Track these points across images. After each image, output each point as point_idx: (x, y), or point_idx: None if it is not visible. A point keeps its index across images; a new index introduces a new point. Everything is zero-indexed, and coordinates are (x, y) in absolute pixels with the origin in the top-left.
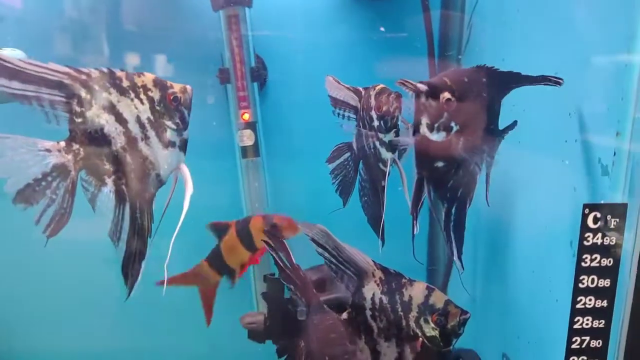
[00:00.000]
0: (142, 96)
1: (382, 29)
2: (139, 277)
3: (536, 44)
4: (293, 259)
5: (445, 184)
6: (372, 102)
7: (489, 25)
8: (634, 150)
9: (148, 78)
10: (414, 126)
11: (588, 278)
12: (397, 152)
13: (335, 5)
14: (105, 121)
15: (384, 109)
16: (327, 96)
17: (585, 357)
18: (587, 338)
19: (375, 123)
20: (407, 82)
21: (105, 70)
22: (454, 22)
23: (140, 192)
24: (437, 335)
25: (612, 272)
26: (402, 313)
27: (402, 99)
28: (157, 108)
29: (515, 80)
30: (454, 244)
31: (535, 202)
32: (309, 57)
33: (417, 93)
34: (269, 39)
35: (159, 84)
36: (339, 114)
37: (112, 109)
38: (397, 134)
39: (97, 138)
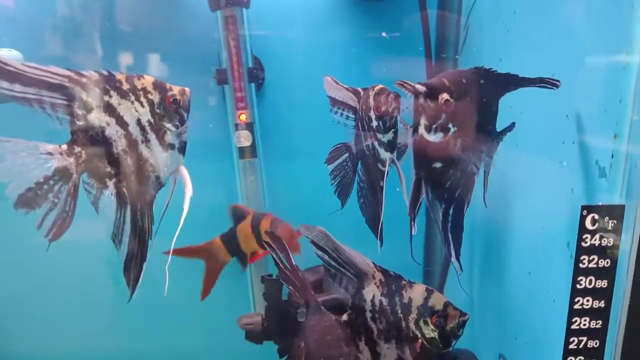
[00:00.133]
0: (143, 99)
1: (384, 34)
2: (141, 279)
3: (533, 46)
4: (292, 260)
5: (443, 184)
6: (371, 102)
7: (486, 26)
8: (632, 152)
9: (148, 81)
10: (412, 127)
11: (586, 279)
12: (395, 153)
13: (333, 6)
14: (107, 124)
15: (383, 109)
16: (325, 97)
17: (582, 358)
18: (585, 338)
19: (374, 123)
20: (406, 83)
21: (105, 72)
22: (451, 23)
23: (141, 195)
24: (437, 337)
25: (609, 273)
26: (401, 315)
27: (401, 99)
28: (157, 111)
29: (512, 82)
30: (451, 245)
31: (533, 204)
32: (306, 57)
33: (416, 94)
34: (266, 39)
35: (159, 86)
36: (338, 113)
37: (113, 111)
38: (395, 135)
39: (99, 141)
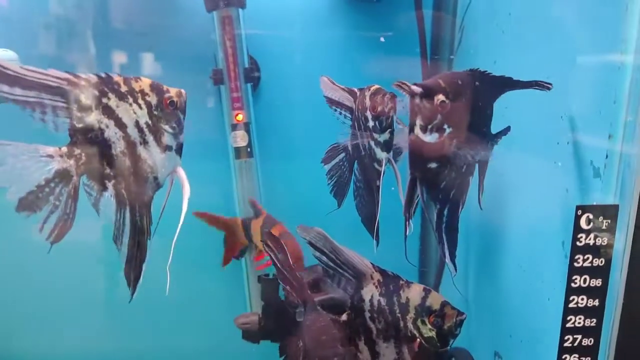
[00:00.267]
0: (140, 101)
1: (382, 39)
2: (141, 279)
3: (528, 47)
4: (290, 260)
5: (438, 185)
6: (367, 102)
7: (481, 27)
8: (625, 153)
9: (145, 83)
10: (409, 127)
11: (580, 278)
12: (392, 152)
13: (328, 7)
14: (106, 126)
15: (379, 109)
16: (321, 97)
17: (577, 355)
18: (579, 336)
19: (370, 123)
20: (403, 84)
21: (103, 75)
22: (446, 24)
23: (140, 196)
24: (434, 336)
25: (603, 272)
26: (399, 314)
27: (398, 99)
28: (155, 112)
29: (506, 84)
30: (445, 245)
31: (528, 204)
32: (302, 57)
33: (412, 95)
34: (262, 39)
35: (156, 88)
36: (335, 113)
37: (111, 113)
38: (392, 134)
39: (98, 143)
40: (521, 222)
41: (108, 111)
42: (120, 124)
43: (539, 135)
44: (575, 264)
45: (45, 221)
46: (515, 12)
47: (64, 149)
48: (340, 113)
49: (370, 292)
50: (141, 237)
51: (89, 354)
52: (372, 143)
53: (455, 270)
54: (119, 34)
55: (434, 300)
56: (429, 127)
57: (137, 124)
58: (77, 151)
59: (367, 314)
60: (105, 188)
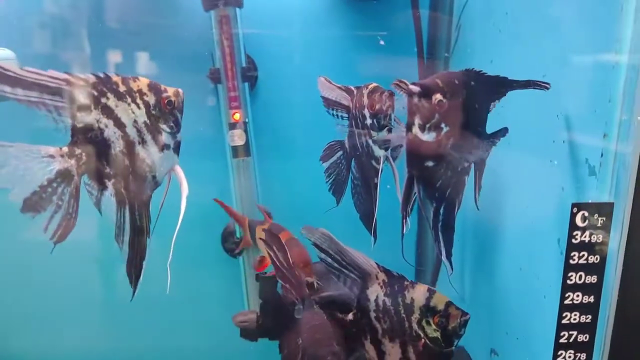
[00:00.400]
0: (139, 101)
1: (381, 42)
2: (141, 277)
3: (525, 46)
4: (290, 258)
5: (434, 183)
6: (365, 100)
7: (478, 26)
8: (620, 151)
9: (143, 82)
10: (406, 126)
11: (576, 275)
12: (389, 150)
13: (325, 6)
14: (105, 125)
15: (377, 107)
16: (319, 96)
17: (572, 351)
18: (575, 332)
19: (368, 121)
20: (401, 82)
21: (101, 75)
22: (443, 23)
23: (139, 195)
24: (439, 336)
25: (599, 269)
26: (404, 315)
27: (395, 97)
28: (153, 112)
29: (500, 84)
30: (442, 243)
31: (524, 202)
32: (299, 57)
33: (410, 94)
34: (260, 39)
35: (154, 88)
36: (332, 114)
37: (110, 113)
38: (389, 132)
39: (98, 142)
40: (517, 220)
41: (107, 111)
42: (119, 124)
43: (535, 134)
44: (571, 261)
45: (50, 221)
46: (512, 12)
47: (65, 149)
48: (337, 114)
49: (376, 293)
50: (140, 235)
51: (88, 352)
52: (370, 141)
53: (452, 268)
54: (117, 33)
55: (439, 301)
56: (427, 126)
57: (135, 123)
58: (77, 151)
59: (373, 314)
60: (105, 187)
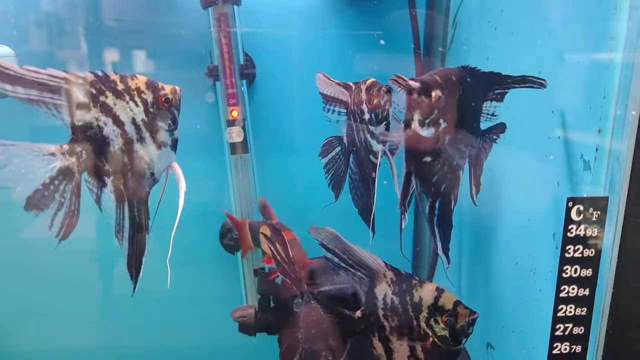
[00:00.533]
0: (137, 98)
1: (382, 42)
2: (141, 273)
3: (520, 43)
4: (290, 252)
5: (430, 178)
6: (363, 95)
7: (474, 24)
8: (615, 147)
9: (141, 80)
10: (405, 122)
11: (571, 268)
12: (387, 145)
13: (323, 3)
14: (104, 123)
15: (375, 102)
16: (316, 93)
17: (568, 343)
18: (570, 325)
19: (366, 116)
20: (400, 78)
21: (100, 73)
22: (439, 21)
23: (137, 191)
24: (447, 335)
25: (593, 262)
26: (412, 313)
27: (393, 93)
28: (151, 110)
29: (496, 80)
30: (437, 237)
31: (520, 197)
32: (297, 54)
33: (409, 90)
34: (258, 36)
35: (151, 86)
36: (331, 110)
37: (109, 111)
38: (387, 127)
39: (97, 140)
40: (513, 215)
41: (106, 109)
42: (118, 122)
43: (530, 130)
44: (566, 255)
45: (53, 219)
46: (508, 9)
47: (66, 147)
48: (335, 110)
49: (384, 291)
50: (140, 231)
51: (88, 347)
52: (368, 136)
53: (448, 262)
54: (115, 32)
55: (447, 300)
56: (426, 121)
57: (133, 121)
58: (78, 149)
59: (381, 312)
60: (104, 184)
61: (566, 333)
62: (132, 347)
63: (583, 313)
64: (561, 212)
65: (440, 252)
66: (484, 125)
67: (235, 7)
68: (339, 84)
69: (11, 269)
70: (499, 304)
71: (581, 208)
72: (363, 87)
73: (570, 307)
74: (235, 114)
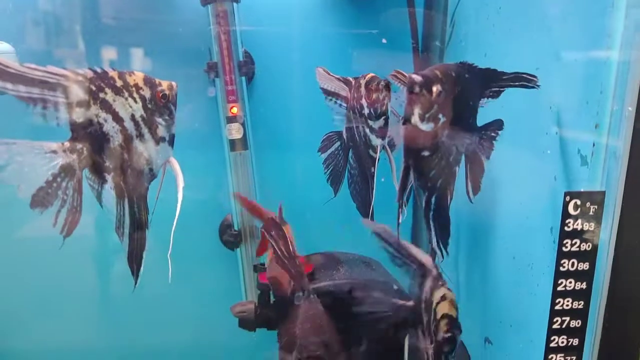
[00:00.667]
0: (135, 95)
1: (384, 40)
2: (142, 268)
3: (518, 40)
4: (291, 247)
5: (427, 173)
6: (362, 90)
7: (472, 21)
8: (612, 142)
9: (139, 77)
10: (404, 117)
11: (568, 262)
12: (386, 139)
13: (323, 0)
14: (104, 120)
15: (374, 96)
16: (315, 89)
17: (565, 336)
18: (567, 318)
19: (366, 111)
20: (399, 73)
21: (98, 70)
22: (438, 18)
23: (137, 187)
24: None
25: (590, 256)
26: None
27: (395, 93)
28: (149, 106)
29: (491, 76)
30: (432, 232)
31: (517, 192)
32: (296, 50)
33: (412, 84)
34: (257, 33)
35: (149, 82)
36: (331, 104)
37: (109, 108)
38: (386, 121)
39: (97, 137)
40: (510, 210)
41: (105, 105)
42: (118, 118)
43: (528, 125)
44: (564, 249)
45: (57, 216)
46: (505, 7)
47: (67, 144)
48: (336, 103)
49: (429, 286)
50: (140, 227)
51: (88, 342)
52: (367, 130)
53: (442, 256)
54: (115, 29)
55: (440, 308)
56: (427, 116)
57: (132, 117)
58: (79, 145)
59: (423, 305)
60: (105, 181)
61: (563, 326)
62: (132, 342)
63: (580, 306)
64: (558, 207)
65: (434, 245)
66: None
67: (235, 4)
68: (338, 79)
69: (11, 268)
70: (496, 299)
71: (578, 202)
72: (362, 81)
73: (568, 301)
74: (234, 110)
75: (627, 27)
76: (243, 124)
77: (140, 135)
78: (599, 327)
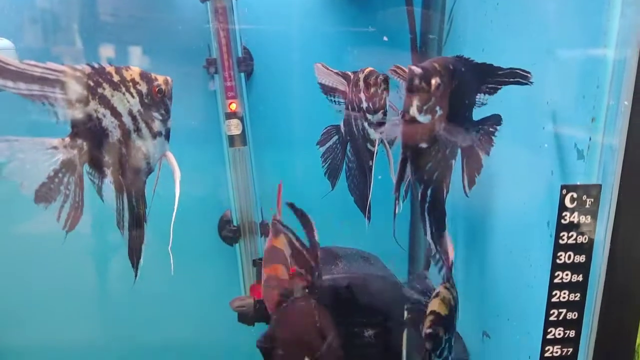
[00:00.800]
0: (132, 90)
1: (385, 38)
2: (141, 261)
3: (515, 36)
4: (316, 237)
5: (424, 165)
6: (361, 84)
7: (470, 17)
8: (608, 135)
9: (135, 72)
10: (403, 108)
11: (565, 254)
12: (384, 133)
13: None
14: (103, 115)
15: (372, 90)
16: (314, 85)
17: (562, 328)
18: (564, 310)
19: (364, 105)
20: (399, 68)
21: (96, 65)
22: (436, 15)
23: (135, 181)
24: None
25: (587, 249)
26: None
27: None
28: (146, 100)
29: (486, 71)
30: (427, 224)
31: (514, 186)
32: (295, 46)
33: (412, 76)
34: (256, 29)
35: (145, 77)
36: (330, 99)
37: (107, 103)
38: (384, 115)
39: (97, 132)
40: (507, 204)
41: (104, 101)
42: (116, 113)
43: (525, 120)
44: (560, 241)
45: (61, 211)
46: (503, 3)
47: (67, 140)
48: (334, 99)
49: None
50: (139, 220)
51: (85, 340)
52: (366, 124)
53: (436, 248)
54: (114, 26)
55: (431, 305)
56: (424, 108)
57: (130, 112)
58: (79, 141)
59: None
60: (105, 175)
61: (560, 318)
62: (131, 337)
63: (577, 298)
64: (555, 201)
65: (428, 237)
66: (476, 115)
67: (234, 0)
68: (337, 73)
69: (12, 264)
70: (494, 293)
71: (575, 195)
72: (361, 75)
73: (564, 293)
74: (233, 106)
75: (623, 23)
76: (242, 120)
77: (138, 130)
78: (595, 319)
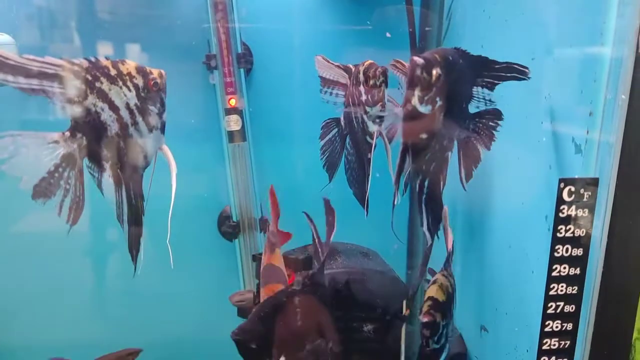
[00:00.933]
0: (129, 83)
1: (388, 34)
2: (141, 255)
3: (513, 32)
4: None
5: (423, 156)
6: (361, 77)
7: (469, 13)
8: (605, 129)
9: (131, 65)
10: (404, 99)
11: (563, 247)
12: (383, 125)
13: None
14: (101, 109)
15: (371, 82)
16: (313, 81)
17: (559, 321)
18: (562, 303)
19: (364, 97)
20: (399, 63)
21: (92, 59)
22: (435, 11)
23: (133, 175)
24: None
25: (584, 242)
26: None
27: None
28: (142, 94)
29: (484, 65)
30: (423, 215)
31: (512, 180)
32: (294, 43)
33: (414, 66)
34: (255, 25)
35: (141, 70)
36: (328, 92)
37: (105, 97)
38: (383, 108)
39: (96, 126)
40: (506, 198)
41: (102, 95)
42: (114, 107)
43: (523, 115)
44: (558, 235)
45: (62, 205)
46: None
47: (67, 134)
48: (333, 93)
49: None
50: (137, 214)
51: (84, 336)
52: (365, 117)
53: (432, 239)
54: (113, 23)
55: (428, 292)
56: (425, 98)
57: (127, 106)
58: (78, 135)
59: None
60: (104, 169)
61: (558, 311)
62: (130, 332)
63: (574, 291)
64: (553, 195)
65: (425, 229)
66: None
67: None
68: (338, 66)
69: (11, 262)
70: (492, 287)
71: (572, 189)
72: (361, 68)
73: (562, 286)
74: (233, 102)
75: (621, 18)
76: (241, 116)
77: (135, 124)
78: (593, 312)
